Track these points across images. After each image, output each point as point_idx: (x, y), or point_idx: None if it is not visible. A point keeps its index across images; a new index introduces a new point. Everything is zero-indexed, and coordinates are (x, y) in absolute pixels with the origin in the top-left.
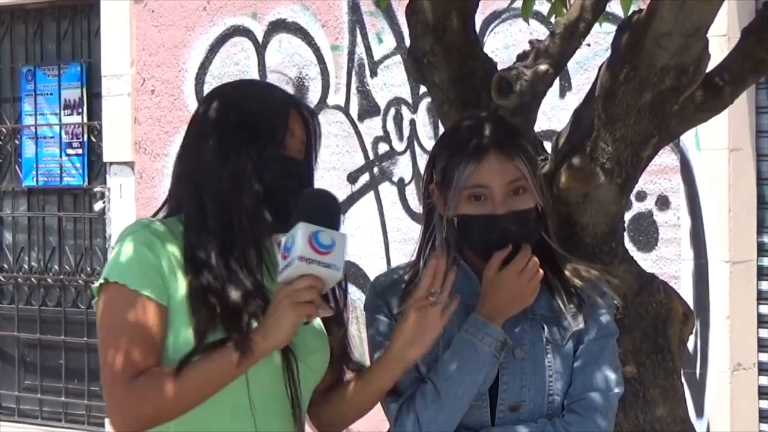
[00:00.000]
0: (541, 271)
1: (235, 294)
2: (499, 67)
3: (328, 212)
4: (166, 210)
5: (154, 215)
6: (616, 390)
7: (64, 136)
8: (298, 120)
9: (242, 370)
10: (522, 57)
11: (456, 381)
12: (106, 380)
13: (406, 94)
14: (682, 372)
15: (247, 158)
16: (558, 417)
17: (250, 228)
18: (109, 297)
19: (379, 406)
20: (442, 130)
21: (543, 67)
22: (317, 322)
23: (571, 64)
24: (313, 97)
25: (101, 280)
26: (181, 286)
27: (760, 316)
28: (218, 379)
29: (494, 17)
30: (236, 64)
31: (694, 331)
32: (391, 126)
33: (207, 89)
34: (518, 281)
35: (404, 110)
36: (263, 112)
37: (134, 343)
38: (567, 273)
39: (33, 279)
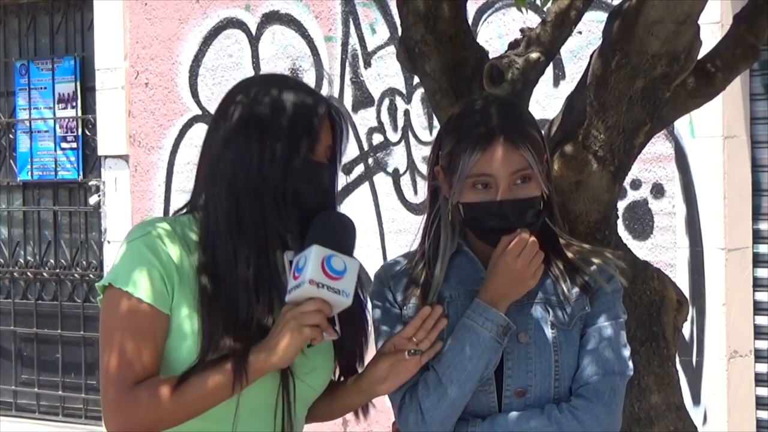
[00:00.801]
0: (541, 252)
1: (246, 306)
2: (492, 56)
3: (343, 237)
4: (188, 205)
5: (177, 212)
6: (626, 373)
7: (58, 130)
8: (327, 125)
9: (237, 391)
10: (513, 45)
11: (458, 367)
12: (103, 384)
13: (400, 84)
14: (677, 359)
15: (274, 162)
16: (565, 402)
17: (273, 233)
18: (112, 302)
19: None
20: (436, 120)
21: (534, 55)
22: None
23: (564, 53)
24: None
25: (105, 282)
26: (187, 291)
27: (756, 303)
28: (212, 397)
29: (487, 6)
30: (230, 56)
31: (690, 319)
32: (385, 117)
33: (201, 82)
34: (518, 264)
35: (398, 101)
36: (297, 116)
37: (133, 350)
38: (573, 257)
39: (29, 273)
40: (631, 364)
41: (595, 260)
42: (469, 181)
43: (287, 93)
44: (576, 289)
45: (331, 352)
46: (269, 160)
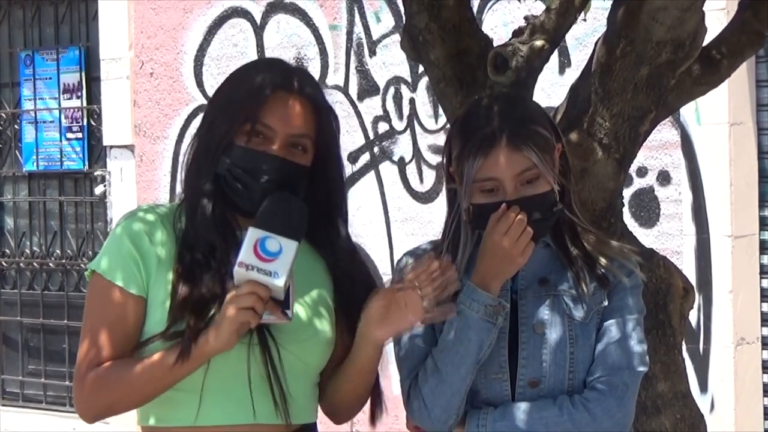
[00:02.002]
0: (530, 230)
1: (199, 286)
2: (497, 44)
3: (288, 220)
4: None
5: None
6: (639, 369)
7: (63, 120)
8: (294, 112)
9: (184, 372)
10: (517, 33)
11: (451, 351)
12: (75, 370)
13: (405, 73)
14: (683, 347)
15: (214, 143)
16: (579, 394)
17: (212, 216)
18: (91, 287)
19: None
20: (441, 108)
21: (539, 42)
22: (306, 315)
23: (569, 41)
24: None
25: (89, 269)
26: (166, 274)
27: (762, 290)
28: (160, 378)
29: None
30: (235, 45)
31: (697, 306)
32: (390, 105)
33: (206, 71)
34: (505, 242)
35: (404, 89)
36: (247, 95)
37: (102, 334)
38: (592, 250)
39: (35, 264)
40: (647, 359)
41: (616, 254)
42: (476, 186)
43: (258, 75)
44: (594, 283)
45: (326, 323)
46: (213, 146)
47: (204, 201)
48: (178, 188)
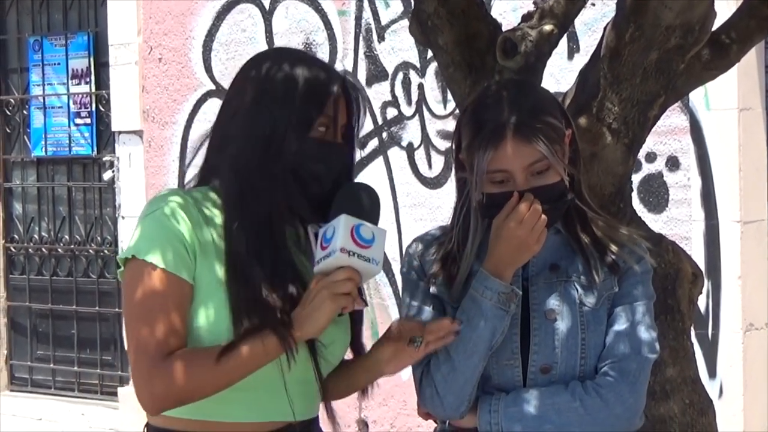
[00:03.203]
0: (545, 218)
1: (272, 280)
2: (506, 29)
3: (369, 207)
4: (196, 178)
5: (186, 185)
6: (650, 355)
7: (72, 105)
8: (343, 103)
9: (274, 357)
10: (526, 17)
11: (463, 338)
12: (134, 357)
13: (414, 58)
14: (692, 332)
15: (284, 139)
16: (590, 380)
17: (287, 207)
18: (135, 274)
19: None
20: (450, 93)
21: (548, 27)
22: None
23: (578, 26)
24: None
25: (128, 255)
26: (215, 263)
27: None
28: (254, 363)
29: None
30: (243, 30)
31: (705, 292)
32: (399, 91)
33: (214, 56)
34: (520, 230)
35: (412, 74)
36: (309, 93)
37: (164, 321)
38: (602, 236)
39: (44, 249)
40: (657, 345)
41: (626, 240)
42: (487, 177)
43: (301, 68)
44: (604, 269)
45: (347, 325)
46: (279, 137)
47: (267, 193)
48: (189, 174)
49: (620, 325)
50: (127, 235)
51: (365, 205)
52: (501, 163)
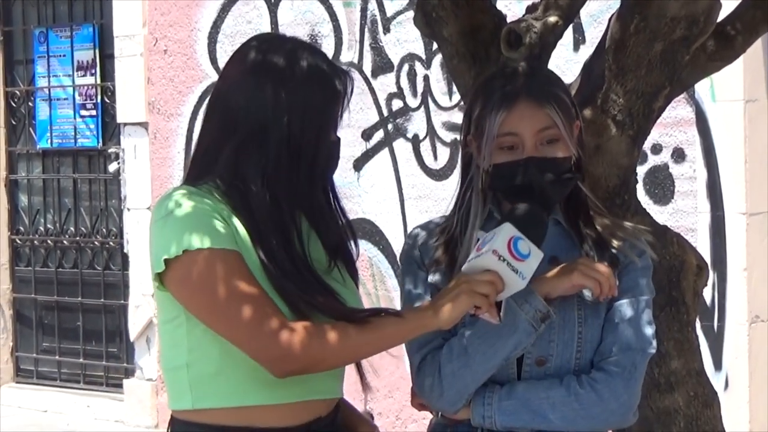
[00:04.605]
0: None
1: (302, 272)
2: (510, 21)
3: (535, 230)
4: (196, 170)
5: (189, 175)
6: (648, 350)
7: (77, 97)
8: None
9: (411, 336)
10: (531, 9)
11: (486, 341)
12: (257, 327)
13: (419, 49)
14: (697, 324)
15: (321, 143)
16: (586, 374)
17: (307, 198)
18: (201, 264)
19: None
20: (455, 85)
21: (552, 18)
22: (354, 300)
23: (584, 17)
24: None
25: (179, 252)
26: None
27: None
28: (387, 345)
29: None
30: (249, 22)
31: (711, 284)
32: (404, 82)
33: (220, 48)
34: (589, 282)
35: (418, 66)
36: (331, 93)
37: (265, 296)
38: (604, 230)
39: (49, 241)
40: (654, 342)
41: (627, 235)
42: (496, 143)
43: (320, 69)
44: (605, 262)
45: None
46: (310, 144)
47: (299, 199)
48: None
49: (619, 319)
50: (133, 226)
51: (533, 227)
52: (512, 125)
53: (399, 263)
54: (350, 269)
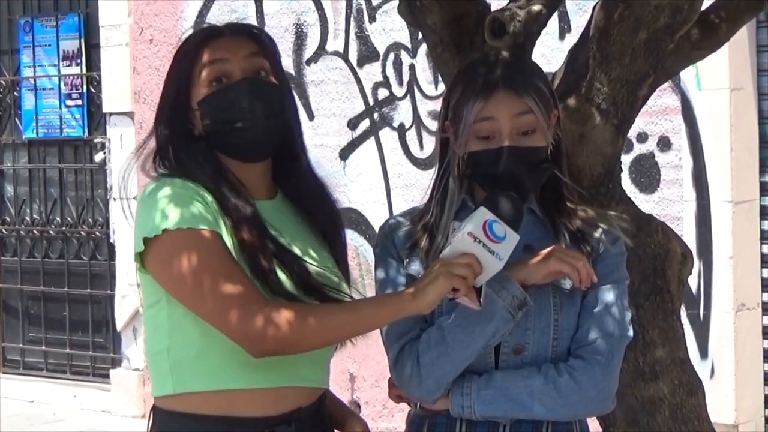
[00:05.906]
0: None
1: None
2: (495, 9)
3: (515, 214)
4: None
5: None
6: (625, 336)
7: (63, 87)
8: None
9: (390, 320)
10: None
11: (464, 329)
12: (232, 311)
13: (405, 39)
14: (682, 313)
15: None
16: (563, 362)
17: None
18: (177, 243)
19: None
20: (439, 74)
21: (536, 7)
22: (338, 280)
23: (570, 6)
24: (311, 44)
25: (158, 231)
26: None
27: (763, 255)
28: (381, 321)
29: None
30: (234, 11)
31: (697, 272)
32: (390, 71)
33: None
34: (566, 268)
35: (403, 55)
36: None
37: (242, 275)
38: (578, 219)
39: (35, 231)
40: (631, 328)
41: (601, 224)
42: (473, 130)
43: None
44: (579, 251)
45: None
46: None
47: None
48: None
49: (594, 306)
50: (119, 216)
51: (507, 210)
52: (489, 111)
53: (373, 252)
54: (339, 257)
